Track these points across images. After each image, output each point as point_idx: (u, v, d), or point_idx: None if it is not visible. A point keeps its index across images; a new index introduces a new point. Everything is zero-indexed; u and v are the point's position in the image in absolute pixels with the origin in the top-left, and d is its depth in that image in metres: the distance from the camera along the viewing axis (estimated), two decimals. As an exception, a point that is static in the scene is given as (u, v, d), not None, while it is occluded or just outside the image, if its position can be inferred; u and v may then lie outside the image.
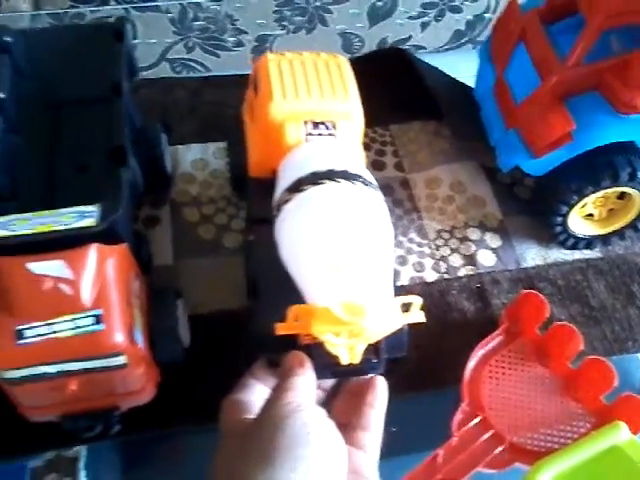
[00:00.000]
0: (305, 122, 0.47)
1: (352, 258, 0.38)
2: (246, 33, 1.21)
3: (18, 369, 0.37)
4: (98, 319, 0.38)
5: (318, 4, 1.20)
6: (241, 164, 0.56)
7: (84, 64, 0.53)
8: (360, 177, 0.43)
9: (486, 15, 1.31)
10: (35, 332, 0.37)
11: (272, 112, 0.48)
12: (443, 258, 0.57)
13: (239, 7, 1.17)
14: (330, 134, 0.48)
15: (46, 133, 0.52)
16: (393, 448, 0.44)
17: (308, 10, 1.21)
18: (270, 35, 1.23)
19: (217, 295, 0.54)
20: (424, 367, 0.51)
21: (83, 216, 0.38)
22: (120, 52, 0.50)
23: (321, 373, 0.44)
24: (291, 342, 0.41)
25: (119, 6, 1.11)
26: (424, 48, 1.35)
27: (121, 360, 0.39)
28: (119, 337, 0.38)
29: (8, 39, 0.51)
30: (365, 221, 0.40)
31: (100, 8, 1.12)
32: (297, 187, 0.42)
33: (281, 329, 0.39)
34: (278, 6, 1.19)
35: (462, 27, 1.32)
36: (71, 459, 0.51)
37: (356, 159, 0.46)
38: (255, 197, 0.52)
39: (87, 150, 0.51)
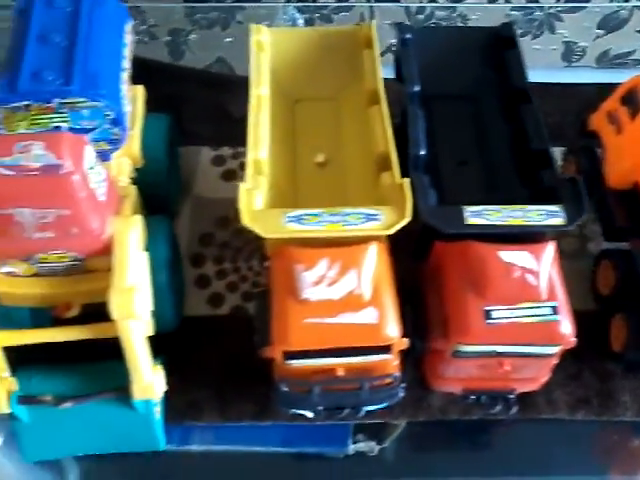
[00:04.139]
0: None
1: None
2: (474, 33, 1.23)
3: (479, 345, 0.41)
4: (555, 310, 0.41)
5: (552, 11, 1.20)
6: (586, 173, 0.58)
7: (460, 62, 0.57)
8: None
9: None
10: (501, 314, 0.41)
11: (667, 130, 0.50)
12: None
13: (474, 7, 1.19)
14: None
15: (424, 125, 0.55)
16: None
17: (540, 16, 1.21)
18: (496, 37, 1.24)
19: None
20: None
21: (550, 215, 0.41)
22: (518, 57, 0.53)
23: None
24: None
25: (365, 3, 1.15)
26: (642, 63, 1.33)
27: (555, 350, 0.42)
28: (567, 329, 0.41)
29: (409, 36, 0.55)
30: None
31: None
32: None
33: None
34: (512, 10, 1.19)
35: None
36: (391, 425, 0.55)
37: None
38: (617, 207, 0.54)
39: (463, 146, 0.55)
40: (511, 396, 0.47)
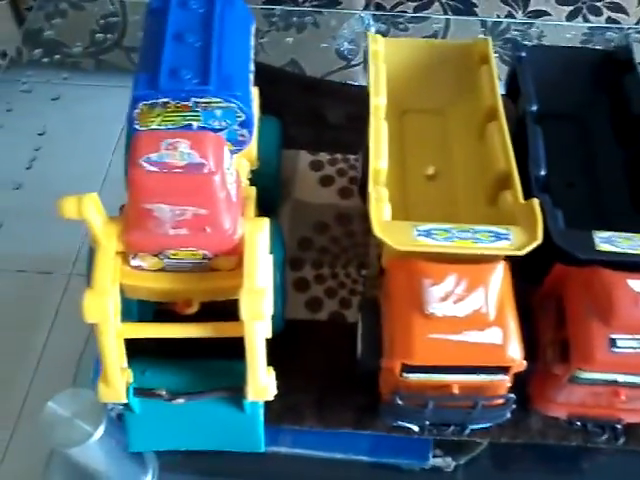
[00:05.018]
0: None
1: None
2: (548, 49, 1.22)
3: (601, 373, 0.41)
4: (682, 343, 0.40)
5: (630, 32, 1.19)
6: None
7: (572, 83, 0.56)
8: None
9: None
10: (626, 344, 0.40)
11: None
12: None
13: (548, 25, 1.19)
14: None
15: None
16: None
17: (618, 36, 1.20)
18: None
19: None
20: None
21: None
22: (637, 82, 0.53)
23: None
24: None
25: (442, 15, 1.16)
26: None
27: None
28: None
29: (523, 54, 0.55)
30: None
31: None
32: None
33: None
34: (590, 29, 1.18)
35: None
36: (473, 443, 0.54)
37: None
38: None
39: (571, 167, 0.55)
40: (618, 426, 0.46)
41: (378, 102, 0.51)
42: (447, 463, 0.52)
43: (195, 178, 0.38)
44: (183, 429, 0.45)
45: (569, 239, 0.42)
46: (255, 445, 0.47)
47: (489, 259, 0.41)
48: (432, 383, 0.42)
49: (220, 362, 0.45)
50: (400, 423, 0.45)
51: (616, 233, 0.42)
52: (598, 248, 0.41)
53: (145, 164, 0.38)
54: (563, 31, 1.24)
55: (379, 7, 1.19)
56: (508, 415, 0.45)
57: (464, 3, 1.18)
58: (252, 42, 0.51)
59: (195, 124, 0.43)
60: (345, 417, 0.49)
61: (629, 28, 1.22)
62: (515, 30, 1.22)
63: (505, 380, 0.42)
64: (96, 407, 0.45)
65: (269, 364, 0.45)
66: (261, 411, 0.45)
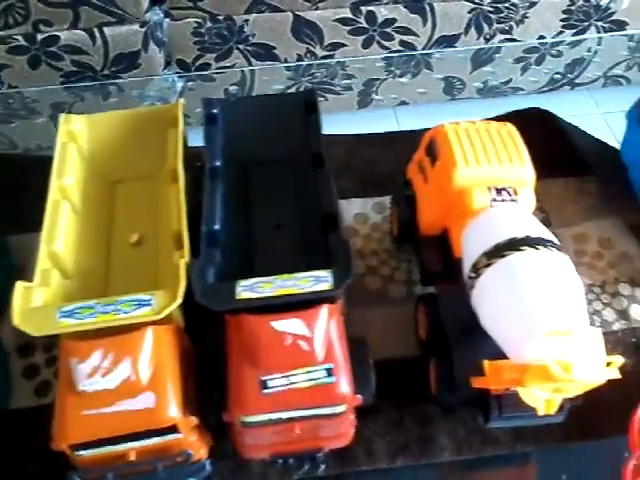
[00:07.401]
0: (489, 188, 0.52)
1: (565, 321, 0.41)
2: (355, 77, 1.27)
3: (260, 415, 0.42)
4: (329, 372, 0.42)
5: (425, 51, 1.25)
6: (406, 220, 0.61)
7: (275, 130, 0.59)
8: (552, 242, 0.47)
9: (585, 58, 1.34)
10: (277, 383, 0.42)
11: (456, 178, 0.52)
12: (597, 312, 0.60)
13: (351, 56, 1.24)
14: (512, 200, 0.52)
15: (241, 192, 0.57)
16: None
17: (415, 56, 1.26)
18: (377, 79, 1.29)
19: (386, 343, 0.58)
20: (588, 418, 0.53)
21: (319, 280, 0.43)
22: (316, 122, 0.56)
23: (509, 421, 0.48)
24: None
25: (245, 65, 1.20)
26: (522, 90, 1.39)
27: (341, 408, 0.44)
28: (345, 388, 0.43)
29: (216, 110, 0.57)
30: (569, 285, 0.44)
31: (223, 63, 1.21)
32: (497, 252, 0.46)
33: (483, 383, 0.43)
34: (388, 55, 1.24)
35: (561, 70, 1.35)
36: None
37: (539, 224, 0.50)
38: (427, 253, 0.57)
39: (280, 210, 0.57)
40: (319, 455, 0.48)
41: (62, 183, 0.52)
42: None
43: None
44: None
45: (212, 293, 0.43)
46: None
47: (139, 326, 0.42)
48: (109, 455, 0.43)
49: None
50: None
51: (261, 278, 0.44)
52: (238, 297, 0.43)
53: None
54: (368, 60, 1.30)
55: (181, 63, 1.22)
56: (208, 469, 0.46)
57: (262, 47, 1.22)
58: None
59: None
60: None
61: (423, 50, 1.29)
62: (320, 66, 1.27)
63: (182, 438, 0.43)
64: None
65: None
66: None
